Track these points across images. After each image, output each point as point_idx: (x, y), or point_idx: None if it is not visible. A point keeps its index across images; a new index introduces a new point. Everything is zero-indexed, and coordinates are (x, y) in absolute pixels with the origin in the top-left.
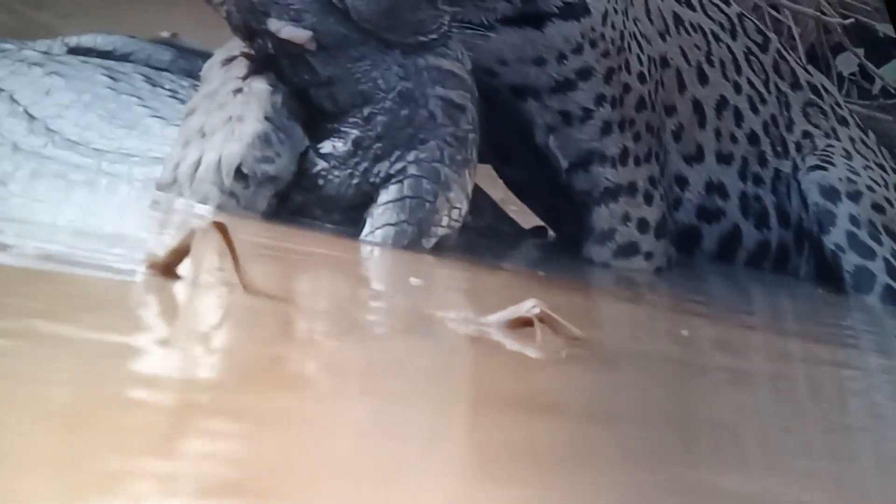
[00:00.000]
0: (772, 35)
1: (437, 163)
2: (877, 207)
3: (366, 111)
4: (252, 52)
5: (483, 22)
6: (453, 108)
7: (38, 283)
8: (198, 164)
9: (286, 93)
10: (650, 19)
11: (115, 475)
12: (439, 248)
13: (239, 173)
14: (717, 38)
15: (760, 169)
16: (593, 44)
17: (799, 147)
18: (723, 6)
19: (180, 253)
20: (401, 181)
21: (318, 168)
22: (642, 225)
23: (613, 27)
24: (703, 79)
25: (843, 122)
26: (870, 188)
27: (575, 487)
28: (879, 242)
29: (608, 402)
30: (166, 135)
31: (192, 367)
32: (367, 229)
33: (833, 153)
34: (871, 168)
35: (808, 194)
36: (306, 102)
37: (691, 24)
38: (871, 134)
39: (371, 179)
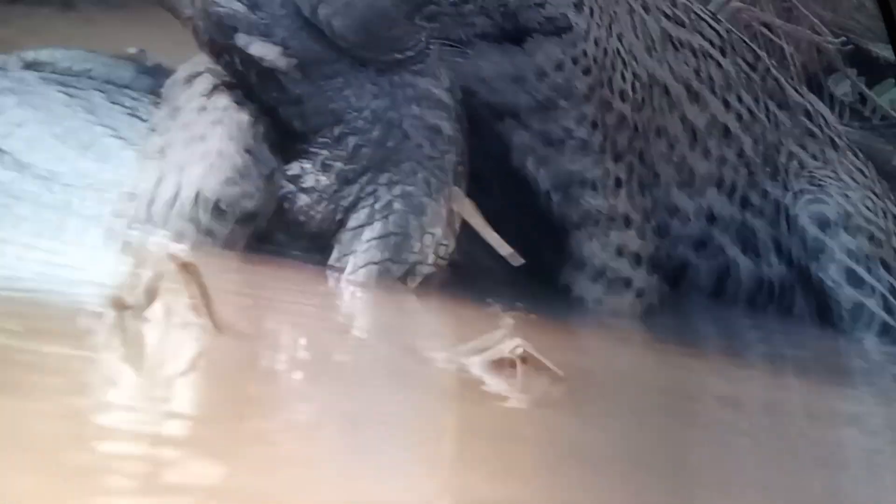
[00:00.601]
0: (762, 53)
1: (410, 187)
2: (873, 240)
3: (336, 131)
4: (219, 68)
5: (461, 38)
6: (429, 129)
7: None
8: (172, 201)
9: (253, 111)
10: (636, 35)
11: None
12: (424, 286)
13: (217, 209)
14: (707, 55)
15: (749, 191)
16: (575, 61)
17: (787, 169)
18: (713, 22)
19: (150, 294)
20: (375, 210)
21: (285, 191)
22: (635, 259)
23: (597, 44)
24: (694, 98)
25: (834, 144)
26: (867, 220)
27: None
28: (877, 278)
29: (584, 445)
30: (126, 157)
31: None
32: (348, 270)
33: (826, 180)
34: (868, 198)
35: (803, 226)
36: (275, 121)
37: (680, 41)
38: (860, 155)
39: (341, 203)
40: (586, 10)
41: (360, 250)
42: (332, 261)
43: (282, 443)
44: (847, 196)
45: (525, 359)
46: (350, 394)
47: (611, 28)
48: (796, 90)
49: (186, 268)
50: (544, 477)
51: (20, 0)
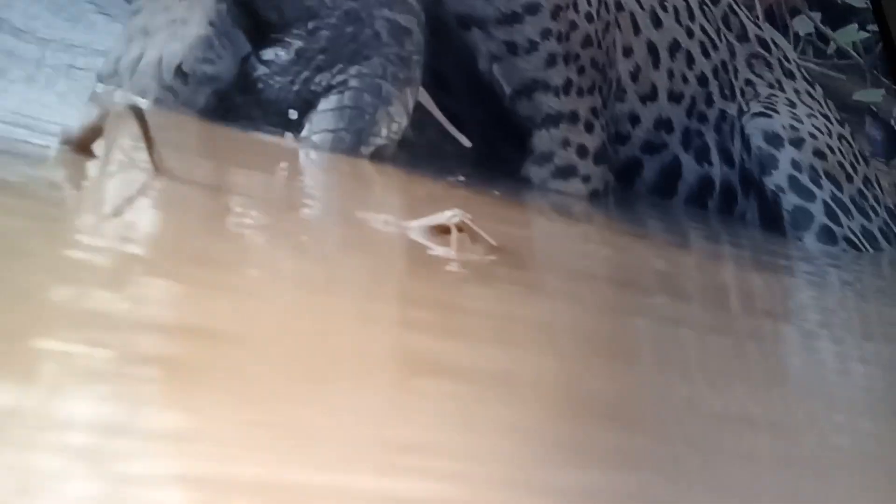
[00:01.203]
0: None
1: (379, 79)
2: (818, 153)
3: (311, 25)
4: None
5: None
6: (399, 29)
7: None
8: (139, 59)
9: (231, 1)
10: None
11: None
12: (376, 158)
13: (179, 71)
14: None
15: (706, 108)
16: None
17: (743, 93)
18: None
19: (94, 132)
20: (342, 92)
21: (259, 73)
22: (581, 150)
23: None
24: (657, 22)
25: (790, 75)
26: (812, 135)
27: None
28: (819, 186)
29: (509, 305)
30: (111, 31)
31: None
32: (304, 132)
33: (777, 102)
34: (815, 117)
35: (751, 139)
36: (251, 13)
37: None
38: (817, 87)
39: (312, 88)
40: None
41: (315, 119)
42: (301, 135)
43: (231, 286)
44: (795, 114)
45: (461, 227)
46: (297, 249)
47: None
48: (755, 24)
49: (131, 110)
50: (478, 338)
51: None
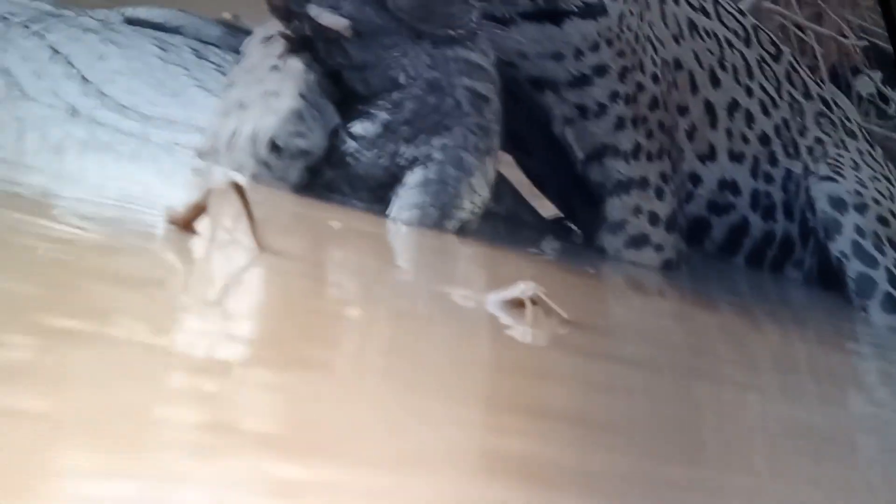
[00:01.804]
0: (785, 48)
1: (461, 149)
2: (881, 220)
3: (395, 96)
4: (289, 32)
5: (505, 16)
6: (478, 98)
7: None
8: (235, 134)
9: (320, 73)
10: (665, 23)
11: (160, 424)
12: (461, 232)
13: (273, 145)
14: (730, 45)
15: (771, 168)
16: (609, 43)
17: (811, 151)
18: (738, 16)
19: (198, 210)
20: (426, 165)
21: (349, 147)
22: (653, 217)
23: (629, 28)
24: (715, 82)
25: (852, 134)
26: (876, 201)
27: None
28: (882, 253)
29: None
30: (208, 105)
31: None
32: (393, 209)
33: (843, 164)
34: (878, 180)
35: (816, 203)
36: (339, 84)
37: (705, 30)
38: (878, 148)
39: (398, 161)
40: None
41: (402, 194)
42: (389, 212)
43: (324, 365)
44: (859, 178)
45: (535, 301)
46: (384, 322)
47: (642, 15)
48: (816, 82)
49: (233, 187)
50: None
51: None
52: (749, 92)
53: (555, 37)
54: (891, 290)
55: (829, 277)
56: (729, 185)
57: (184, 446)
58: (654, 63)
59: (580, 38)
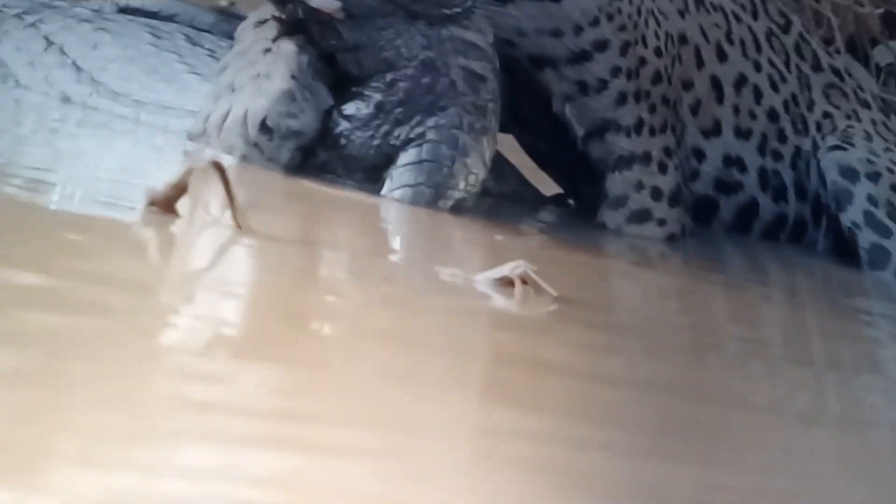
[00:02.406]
0: (794, 18)
1: (455, 129)
2: (894, 188)
3: (389, 77)
4: (283, 16)
5: None
6: (474, 77)
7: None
8: (226, 116)
9: (313, 55)
10: None
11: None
12: (456, 210)
13: (264, 126)
14: (737, 18)
15: (780, 145)
16: (610, 17)
17: (819, 126)
18: None
19: (178, 190)
20: (420, 145)
21: (342, 128)
22: (656, 193)
23: (630, 2)
24: (721, 56)
25: (866, 104)
26: (889, 170)
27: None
28: None
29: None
30: (202, 90)
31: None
32: (385, 188)
33: (854, 134)
34: (891, 150)
35: (826, 173)
36: (332, 65)
37: (711, 4)
38: (893, 117)
39: (391, 142)
40: None
41: (396, 174)
42: (382, 192)
43: (313, 341)
44: (871, 147)
45: (525, 279)
46: (374, 302)
47: None
48: (828, 52)
49: (214, 167)
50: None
51: None
52: (757, 66)
53: (553, 13)
54: None
55: (845, 254)
56: (735, 162)
57: (181, 422)
58: (657, 37)
59: (580, 13)
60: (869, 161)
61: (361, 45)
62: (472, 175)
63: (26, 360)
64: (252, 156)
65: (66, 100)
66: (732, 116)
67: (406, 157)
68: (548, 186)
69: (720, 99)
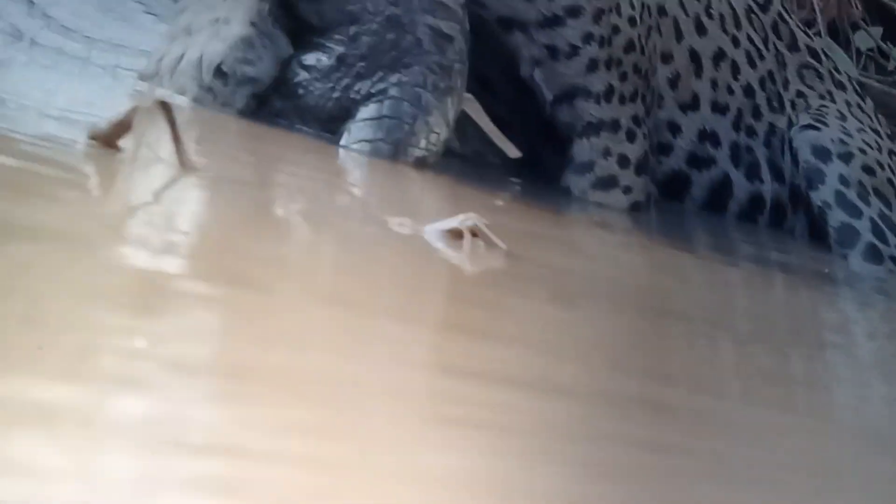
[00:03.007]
0: None
1: (419, 88)
2: (867, 169)
3: (352, 30)
4: None
5: None
6: (441, 37)
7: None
8: (180, 58)
9: (274, 2)
10: None
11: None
12: (418, 166)
13: (219, 71)
14: None
15: (754, 121)
16: None
17: (794, 105)
18: None
19: (122, 127)
20: (381, 101)
21: (300, 78)
22: (623, 160)
23: None
24: (701, 30)
25: (841, 86)
26: (862, 150)
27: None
28: (867, 203)
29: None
30: (157, 30)
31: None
32: (343, 140)
33: (827, 114)
34: (865, 131)
35: (799, 152)
36: (293, 14)
37: None
38: (868, 100)
39: (351, 95)
40: None
41: (354, 128)
42: (341, 144)
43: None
44: (844, 127)
45: (475, 232)
46: (312, 248)
47: None
48: (806, 33)
49: (161, 106)
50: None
51: None
52: (735, 42)
53: None
54: (874, 240)
55: (817, 234)
56: (709, 137)
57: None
58: (632, 6)
59: None
60: (842, 141)
61: None
62: (433, 134)
63: None
64: (205, 99)
65: (16, 33)
66: (710, 91)
67: (366, 111)
68: (512, 149)
69: (699, 73)
